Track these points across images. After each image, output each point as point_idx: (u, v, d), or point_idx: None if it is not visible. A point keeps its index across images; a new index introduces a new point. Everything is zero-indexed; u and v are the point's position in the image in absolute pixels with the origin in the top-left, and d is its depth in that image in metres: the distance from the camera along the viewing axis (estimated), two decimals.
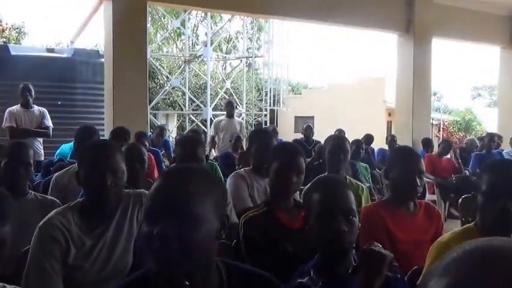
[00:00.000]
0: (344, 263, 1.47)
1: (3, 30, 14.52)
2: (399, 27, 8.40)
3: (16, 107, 5.42)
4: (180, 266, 1.02)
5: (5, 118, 5.36)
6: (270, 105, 15.48)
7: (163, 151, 6.67)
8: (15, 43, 14.00)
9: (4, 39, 13.55)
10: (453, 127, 23.79)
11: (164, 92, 14.12)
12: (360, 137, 6.63)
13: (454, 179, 6.20)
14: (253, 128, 14.06)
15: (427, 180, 5.85)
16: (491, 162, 1.76)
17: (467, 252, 0.53)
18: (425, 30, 8.31)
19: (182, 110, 15.06)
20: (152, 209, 1.05)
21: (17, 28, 15.40)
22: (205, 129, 12.06)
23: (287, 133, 15.48)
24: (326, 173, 3.17)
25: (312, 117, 17.82)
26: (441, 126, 21.59)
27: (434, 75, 8.80)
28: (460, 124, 24.55)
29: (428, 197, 6.16)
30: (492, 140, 7.11)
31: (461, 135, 21.06)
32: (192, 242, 1.03)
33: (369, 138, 7.70)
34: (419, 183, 2.18)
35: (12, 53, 7.84)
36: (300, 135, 8.34)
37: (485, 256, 0.52)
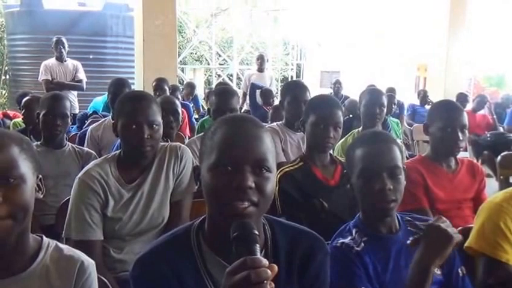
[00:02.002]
0: (388, 222, 1.42)
1: None
2: None
3: (51, 61, 5.54)
4: (252, 218, 1.00)
5: (40, 71, 5.49)
6: (296, 60, 15.24)
7: (192, 105, 6.70)
8: None
9: None
10: (485, 82, 23.00)
11: (191, 46, 14.02)
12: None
13: (488, 135, 6.02)
14: (279, 83, 13.93)
15: None
16: None
17: None
18: None
19: (209, 64, 14.98)
20: (229, 160, 1.00)
21: None
22: (231, 84, 12.00)
23: (313, 88, 15.27)
24: (359, 128, 3.12)
25: (338, 72, 17.48)
26: (473, 81, 20.87)
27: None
28: (492, 79, 23.70)
29: (460, 154, 6.00)
30: None
31: (493, 90, 20.36)
32: (266, 195, 1.02)
33: (391, 91, 7.46)
34: (461, 138, 2.09)
35: (45, 7, 7.89)
36: (325, 90, 8.21)
37: None
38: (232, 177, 0.99)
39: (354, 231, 1.43)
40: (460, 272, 1.43)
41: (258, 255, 0.90)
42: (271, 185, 1.03)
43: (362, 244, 1.38)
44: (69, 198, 1.86)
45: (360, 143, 1.49)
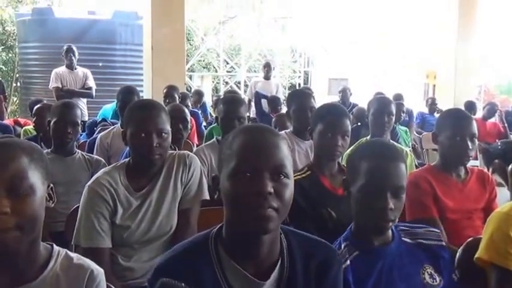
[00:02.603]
0: (383, 236, 1.40)
1: None
2: None
3: (61, 68, 5.62)
4: (274, 221, 1.02)
5: (51, 79, 5.58)
6: (304, 67, 15.29)
7: (201, 112, 6.72)
8: (58, 6, 14.14)
9: (48, 3, 13.73)
10: (495, 90, 22.82)
11: (199, 53, 14.11)
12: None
13: (499, 144, 5.97)
14: (286, 90, 13.95)
15: None
16: None
17: None
18: None
19: (216, 71, 15.05)
20: (248, 166, 1.02)
21: None
22: (239, 91, 12.04)
23: (321, 96, 15.27)
24: (367, 137, 3.10)
25: (346, 79, 17.46)
26: (483, 88, 20.73)
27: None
28: (502, 87, 23.50)
29: (470, 162, 5.94)
30: None
31: (503, 98, 20.20)
32: (285, 201, 1.04)
33: (399, 98, 7.42)
34: (470, 147, 2.07)
35: (56, 15, 8.02)
36: (334, 98, 8.19)
37: None
38: (251, 183, 1.01)
39: (343, 246, 1.40)
40: (454, 277, 1.42)
41: None
42: (290, 191, 1.05)
43: (348, 262, 1.35)
44: (78, 206, 1.88)
45: (366, 153, 1.43)
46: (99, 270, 1.17)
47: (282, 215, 1.04)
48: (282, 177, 1.03)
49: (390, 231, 1.40)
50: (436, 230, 1.47)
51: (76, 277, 1.13)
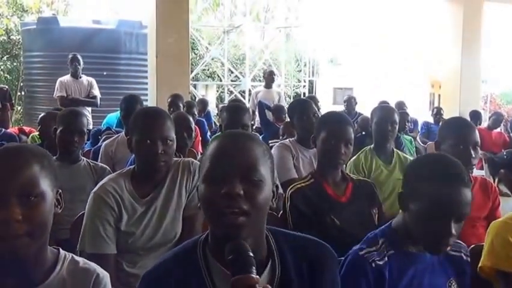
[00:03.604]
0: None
1: (52, 3, 14.80)
2: None
3: (66, 77, 5.65)
4: (245, 228, 1.02)
5: (56, 88, 5.60)
6: (309, 76, 15.34)
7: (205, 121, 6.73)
8: (63, 15, 14.27)
9: (53, 12, 13.84)
10: (501, 99, 22.79)
11: (203, 63, 14.17)
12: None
13: (504, 153, 5.94)
14: (291, 99, 13.98)
15: None
16: None
17: None
18: None
19: (221, 80, 15.10)
20: (218, 169, 1.04)
21: (65, 0, 15.64)
22: (243, 100, 12.06)
23: (326, 105, 15.30)
24: (371, 146, 3.09)
25: (351, 88, 17.50)
26: (489, 98, 20.71)
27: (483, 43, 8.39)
28: (509, 96, 23.46)
29: (476, 172, 5.92)
30: None
31: (510, 107, 20.16)
32: (257, 204, 1.03)
33: (400, 105, 7.41)
34: (473, 156, 2.07)
35: (61, 24, 8.07)
36: (339, 107, 8.19)
37: None
38: (221, 186, 1.02)
39: (380, 242, 1.41)
40: None
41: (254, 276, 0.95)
42: (263, 195, 1.05)
43: (386, 258, 1.37)
44: (83, 213, 1.89)
45: (430, 174, 1.36)
46: (104, 274, 1.18)
47: (255, 220, 1.04)
48: (254, 180, 1.04)
49: None
50: (463, 244, 1.49)
51: (82, 281, 1.14)
